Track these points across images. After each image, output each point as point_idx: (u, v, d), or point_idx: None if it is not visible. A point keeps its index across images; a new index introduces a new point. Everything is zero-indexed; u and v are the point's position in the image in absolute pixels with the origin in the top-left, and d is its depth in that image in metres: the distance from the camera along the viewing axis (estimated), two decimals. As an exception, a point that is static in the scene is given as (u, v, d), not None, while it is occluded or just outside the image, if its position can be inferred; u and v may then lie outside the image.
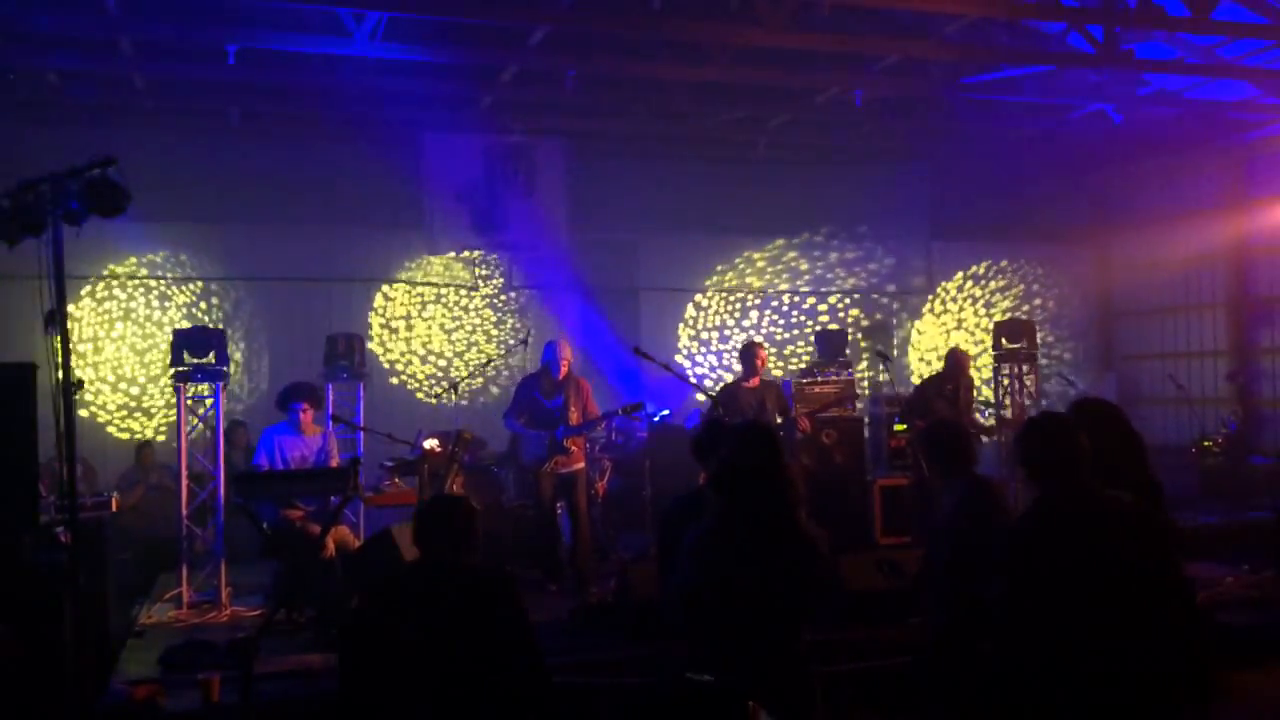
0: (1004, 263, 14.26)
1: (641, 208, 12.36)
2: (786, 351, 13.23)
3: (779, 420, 8.22)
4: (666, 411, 10.69)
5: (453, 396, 9.30)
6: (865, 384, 12.72)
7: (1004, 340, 10.50)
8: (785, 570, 3.65)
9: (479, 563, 3.92)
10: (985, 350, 12.20)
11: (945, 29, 10.19)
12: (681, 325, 13.01)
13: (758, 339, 10.45)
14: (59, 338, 4.63)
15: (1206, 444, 11.95)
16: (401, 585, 4.02)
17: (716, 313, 13.18)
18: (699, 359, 12.93)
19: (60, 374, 4.59)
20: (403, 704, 3.71)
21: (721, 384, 10.18)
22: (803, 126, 12.32)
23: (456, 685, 3.67)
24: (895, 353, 13.08)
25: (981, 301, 14.18)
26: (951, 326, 13.99)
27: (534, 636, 3.89)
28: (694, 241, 12.88)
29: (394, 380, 11.90)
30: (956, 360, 9.33)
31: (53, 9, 8.45)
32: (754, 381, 8.49)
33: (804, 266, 13.52)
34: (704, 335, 13.09)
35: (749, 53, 9.96)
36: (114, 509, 6.85)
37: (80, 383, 4.77)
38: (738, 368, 9.87)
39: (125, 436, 11.00)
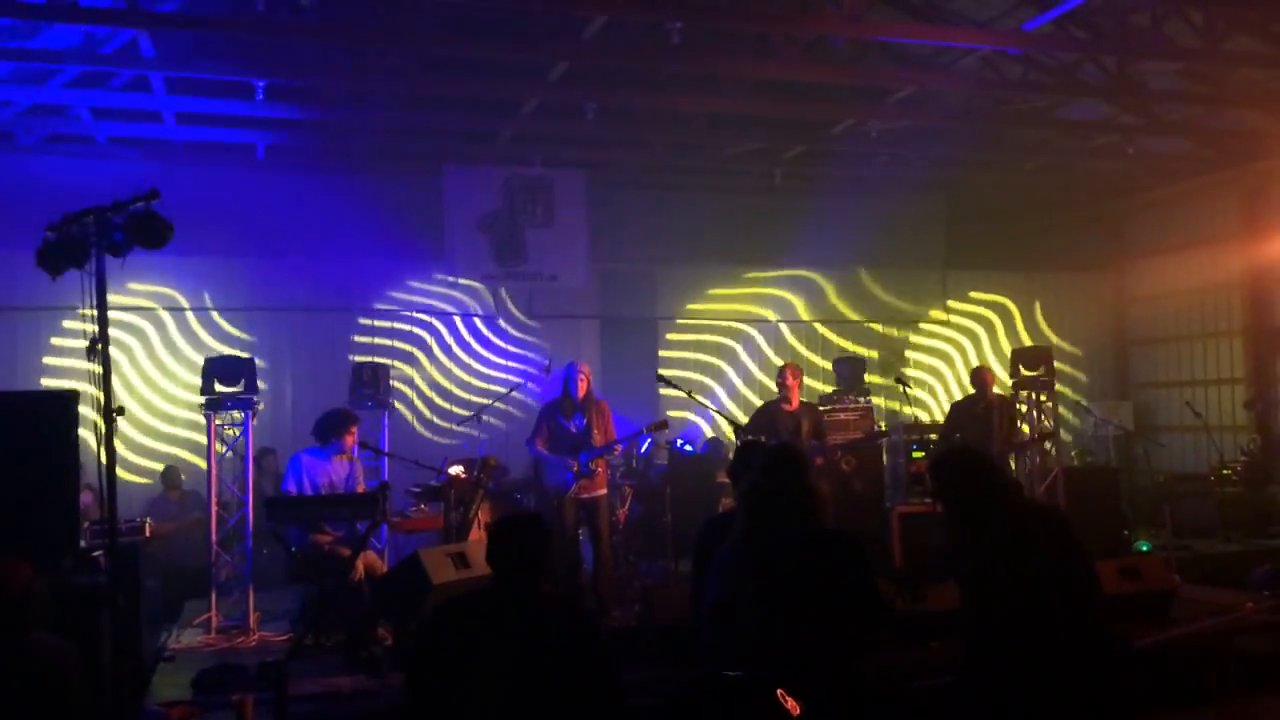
0: (1019, 292, 14.34)
1: (660, 238, 12.52)
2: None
3: (812, 444, 8.34)
4: (689, 447, 10.74)
5: (475, 424, 9.42)
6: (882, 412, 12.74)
7: (1021, 368, 10.54)
8: (809, 588, 3.71)
9: (553, 592, 3.72)
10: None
11: (960, 61, 10.34)
12: (698, 355, 13.13)
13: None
14: (101, 366, 4.75)
15: (1225, 472, 11.93)
16: (471, 608, 3.69)
17: (734, 342, 13.28)
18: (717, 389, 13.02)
19: (102, 401, 4.70)
20: None
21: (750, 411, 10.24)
22: (818, 158, 12.47)
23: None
24: (912, 382, 13.09)
25: (997, 330, 14.24)
26: (967, 355, 14.05)
27: (618, 678, 3.67)
28: (711, 271, 13.05)
29: (417, 408, 12.03)
30: (982, 379, 9.58)
31: (85, 48, 8.68)
32: (793, 404, 8.63)
33: (820, 296, 13.63)
34: (721, 365, 13.19)
35: (766, 85, 10.13)
36: (146, 534, 6.96)
37: (120, 409, 4.89)
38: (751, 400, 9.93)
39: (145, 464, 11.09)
